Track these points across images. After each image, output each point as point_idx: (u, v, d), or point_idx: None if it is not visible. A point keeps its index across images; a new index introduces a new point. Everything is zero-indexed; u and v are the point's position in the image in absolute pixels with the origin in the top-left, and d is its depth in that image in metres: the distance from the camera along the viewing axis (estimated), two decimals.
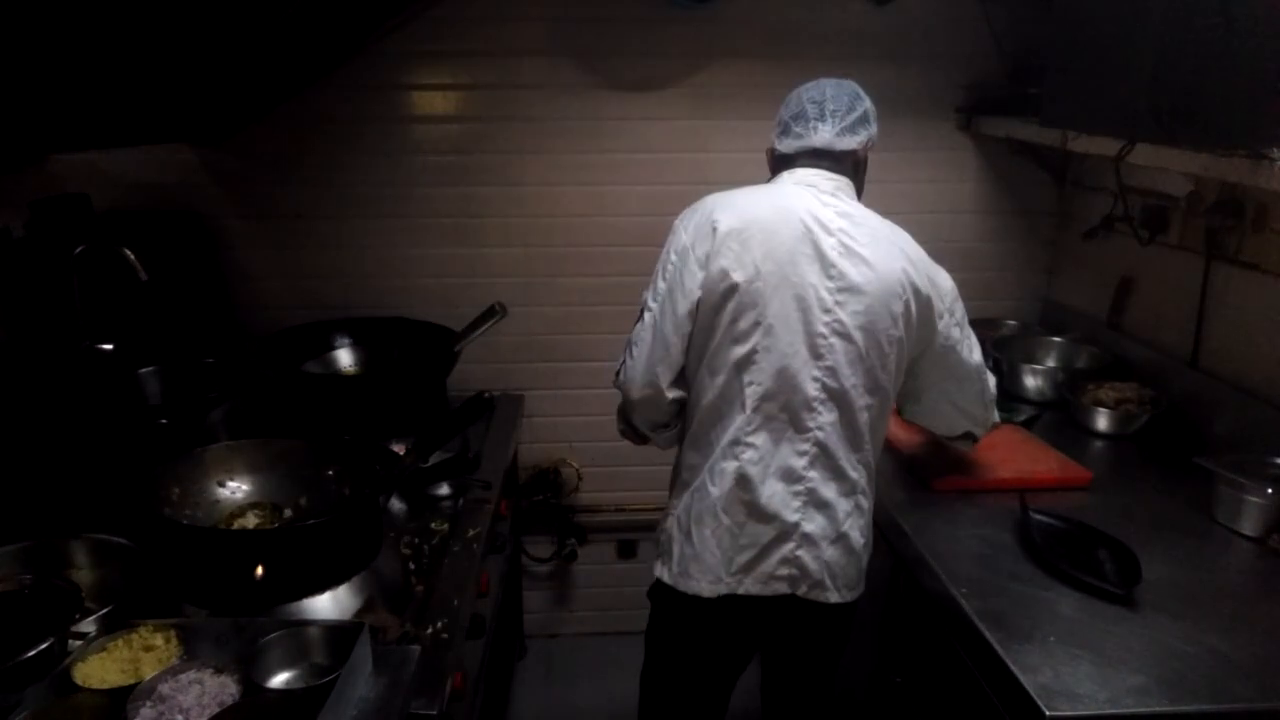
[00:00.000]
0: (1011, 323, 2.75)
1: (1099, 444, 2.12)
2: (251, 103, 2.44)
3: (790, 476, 1.54)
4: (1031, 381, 2.35)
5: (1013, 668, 1.31)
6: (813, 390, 1.52)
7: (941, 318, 1.60)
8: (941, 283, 1.62)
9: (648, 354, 1.58)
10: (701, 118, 2.60)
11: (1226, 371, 2.04)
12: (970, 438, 1.81)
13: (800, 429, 1.53)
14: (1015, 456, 1.96)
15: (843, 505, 1.56)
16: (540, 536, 2.91)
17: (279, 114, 2.49)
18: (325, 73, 2.46)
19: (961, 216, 2.75)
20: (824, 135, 1.60)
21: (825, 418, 1.53)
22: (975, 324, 2.69)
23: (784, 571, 1.57)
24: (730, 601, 1.58)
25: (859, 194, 1.67)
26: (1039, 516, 1.69)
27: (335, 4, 2.05)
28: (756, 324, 1.50)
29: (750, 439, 1.53)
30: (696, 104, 2.58)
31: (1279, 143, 1.48)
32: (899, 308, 1.53)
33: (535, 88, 2.54)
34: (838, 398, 1.53)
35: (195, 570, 1.47)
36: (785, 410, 1.52)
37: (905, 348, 1.57)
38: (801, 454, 1.54)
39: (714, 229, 1.53)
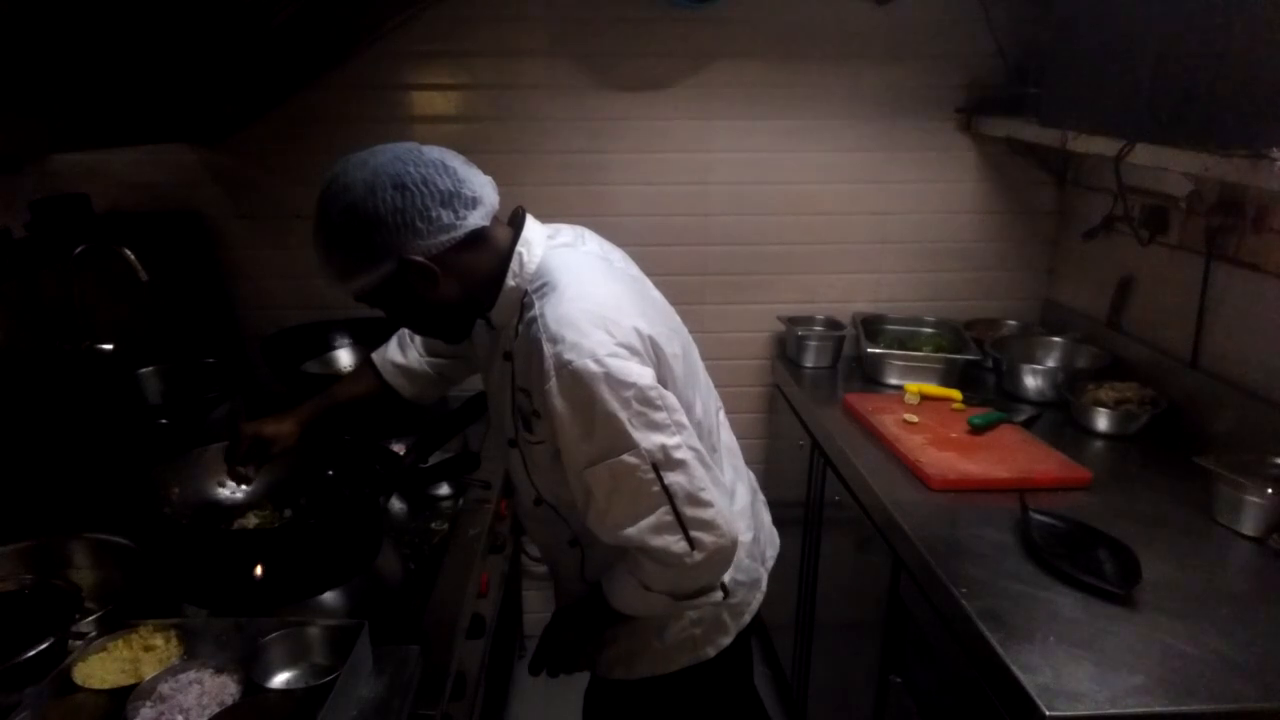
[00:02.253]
0: (1011, 323, 2.75)
1: (1099, 444, 2.12)
2: (251, 103, 2.44)
3: (753, 493, 1.70)
4: (1031, 381, 2.35)
5: (1013, 668, 1.31)
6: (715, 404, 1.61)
7: None
8: None
9: (716, 478, 1.33)
10: (701, 118, 2.60)
11: (1226, 371, 2.04)
12: None
13: (734, 451, 1.64)
14: (1015, 456, 1.96)
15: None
16: None
17: (279, 114, 2.49)
18: (325, 73, 2.46)
19: (961, 216, 2.75)
20: (486, 204, 1.34)
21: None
22: (975, 324, 2.72)
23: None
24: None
25: None
26: (1039, 516, 1.68)
27: (336, 4, 2.05)
28: (695, 373, 1.48)
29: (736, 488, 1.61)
30: (696, 104, 2.58)
31: (1279, 143, 1.48)
32: None
33: (535, 88, 2.54)
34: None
35: (195, 570, 1.47)
36: (715, 438, 1.56)
37: None
38: (745, 462, 1.69)
39: (643, 334, 1.27)
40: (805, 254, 2.74)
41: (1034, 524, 1.66)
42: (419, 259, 1.25)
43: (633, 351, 1.24)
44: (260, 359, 2.26)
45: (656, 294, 1.51)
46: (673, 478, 1.24)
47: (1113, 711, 1.23)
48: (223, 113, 2.42)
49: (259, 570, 1.43)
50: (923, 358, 2.47)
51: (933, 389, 2.31)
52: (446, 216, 1.26)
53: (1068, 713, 1.22)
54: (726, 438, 1.63)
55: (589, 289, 1.29)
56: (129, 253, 1.81)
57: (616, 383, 1.20)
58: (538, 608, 3.01)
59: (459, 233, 1.27)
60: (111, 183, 2.42)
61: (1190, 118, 1.67)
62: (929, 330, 2.68)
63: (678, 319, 1.50)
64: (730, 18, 2.51)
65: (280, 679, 1.26)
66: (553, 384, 1.21)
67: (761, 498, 1.74)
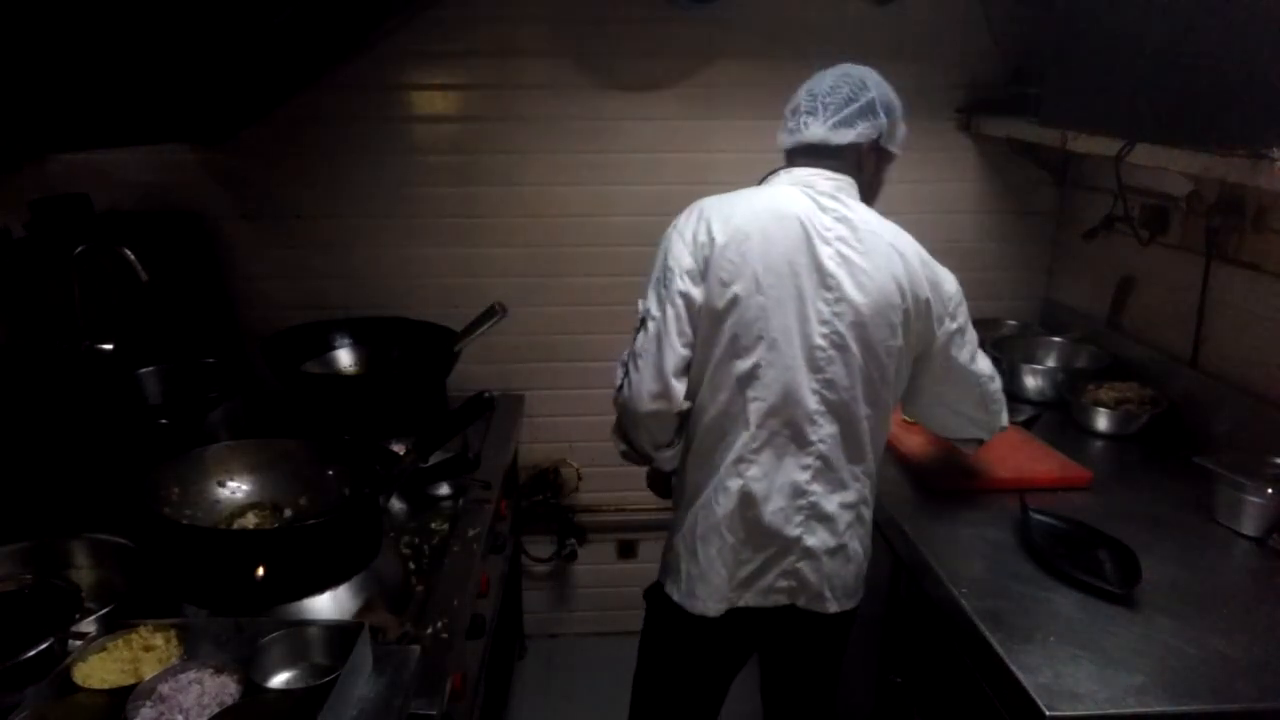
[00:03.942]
0: (1011, 323, 2.75)
1: (1099, 444, 2.12)
2: (251, 103, 2.44)
3: (794, 492, 1.53)
4: (1031, 381, 2.35)
5: (1013, 668, 1.31)
6: (813, 404, 1.50)
7: (941, 323, 1.57)
8: (945, 286, 1.58)
9: (656, 363, 1.52)
10: (701, 118, 2.60)
11: (1226, 371, 2.04)
12: (975, 441, 1.79)
13: (803, 443, 1.51)
14: (1015, 456, 1.96)
15: (844, 517, 1.56)
16: (540, 536, 2.91)
17: (279, 114, 2.49)
18: (325, 73, 2.46)
19: (961, 216, 2.75)
20: (816, 130, 1.55)
21: (826, 430, 1.51)
22: (975, 324, 2.71)
23: (784, 584, 1.57)
24: (731, 615, 1.58)
25: (872, 191, 1.64)
26: (1039, 516, 1.69)
27: (336, 4, 2.05)
28: (759, 338, 1.48)
29: (754, 456, 1.52)
30: (696, 104, 2.58)
31: (1279, 143, 1.48)
32: (897, 317, 1.50)
33: (535, 88, 2.54)
34: (838, 410, 1.51)
35: (195, 570, 1.47)
36: (788, 425, 1.50)
37: (905, 356, 1.55)
38: (805, 468, 1.52)
39: (711, 240, 1.49)
40: None
41: (1034, 524, 1.66)
42: None
43: (690, 239, 1.52)
44: (260, 359, 2.26)
45: (782, 250, 1.48)
46: (639, 333, 1.56)
47: (1113, 711, 1.23)
48: (223, 113, 2.42)
49: (259, 570, 1.43)
50: None
51: None
52: (785, 121, 1.63)
53: (1068, 713, 1.22)
54: (744, 436, 1.51)
55: (729, 195, 1.58)
56: (129, 253, 1.81)
57: (664, 251, 1.56)
58: (538, 608, 3.01)
59: (779, 139, 1.64)
60: (111, 183, 2.42)
61: (1190, 118, 1.67)
62: None
63: (788, 291, 1.47)
64: (730, 18, 2.51)
65: (280, 679, 1.26)
66: None
67: (771, 527, 1.54)
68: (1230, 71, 1.58)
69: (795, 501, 1.53)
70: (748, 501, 1.52)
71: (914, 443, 2.02)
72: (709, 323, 1.50)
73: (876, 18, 2.53)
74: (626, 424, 1.63)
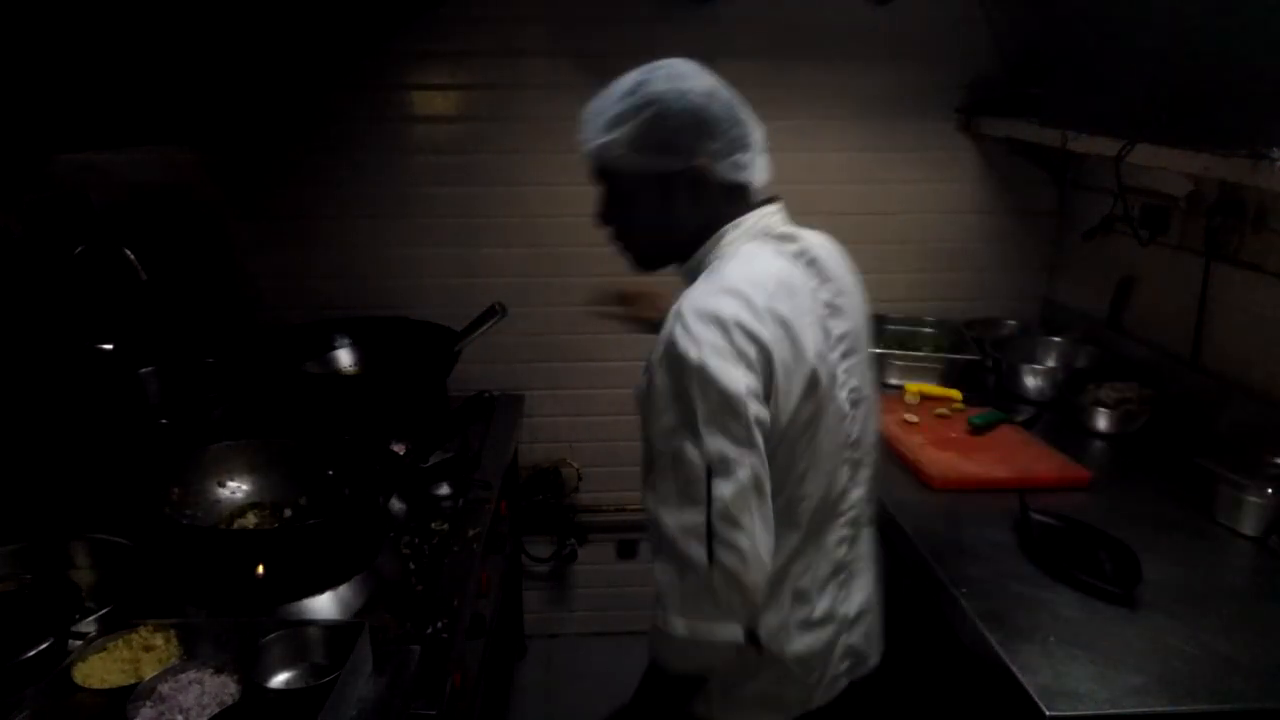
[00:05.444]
0: (1011, 323, 2.75)
1: (1099, 444, 2.12)
2: (252, 103, 2.44)
3: (834, 569, 1.36)
4: (1031, 381, 2.35)
5: (1013, 668, 1.31)
6: (845, 475, 1.34)
7: None
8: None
9: (765, 514, 1.18)
10: None
11: (1226, 371, 2.04)
12: None
13: (835, 514, 1.35)
14: (1015, 456, 1.96)
15: (867, 555, 1.44)
16: (540, 536, 2.91)
17: (279, 114, 2.50)
18: (326, 73, 2.47)
19: (961, 216, 2.75)
20: (760, 173, 1.33)
21: (857, 493, 1.38)
22: (975, 324, 2.72)
23: (844, 665, 1.39)
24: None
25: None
26: (1039, 516, 1.68)
27: (337, 6, 2.05)
28: (808, 447, 1.26)
29: (805, 555, 1.32)
30: None
31: (1279, 142, 1.48)
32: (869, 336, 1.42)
33: (535, 88, 2.54)
34: (868, 463, 1.39)
35: (195, 570, 1.47)
36: (824, 503, 1.31)
37: None
38: (841, 541, 1.36)
39: (760, 344, 1.18)
40: None
41: (1034, 524, 1.66)
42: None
43: (734, 353, 1.16)
44: (260, 359, 2.26)
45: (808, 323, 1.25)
46: (721, 483, 1.15)
47: (1113, 711, 1.23)
48: (223, 113, 2.42)
49: (259, 570, 1.43)
50: (923, 358, 2.47)
51: (933, 389, 2.31)
52: (733, 144, 1.31)
53: (1068, 713, 1.22)
54: (840, 551, 1.36)
55: (720, 286, 1.22)
56: (129, 253, 1.81)
57: (701, 379, 1.15)
58: (538, 608, 3.01)
59: (719, 170, 1.30)
60: (111, 182, 2.42)
61: (1190, 118, 1.67)
62: (929, 330, 2.67)
63: (855, 369, 1.34)
64: (730, 18, 2.51)
65: (280, 679, 1.26)
66: (659, 354, 1.20)
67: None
68: (1230, 71, 1.58)
69: (836, 578, 1.36)
70: (801, 598, 1.32)
71: (913, 442, 2.02)
72: (785, 444, 1.24)
73: (877, 18, 2.53)
74: (731, 598, 1.17)
